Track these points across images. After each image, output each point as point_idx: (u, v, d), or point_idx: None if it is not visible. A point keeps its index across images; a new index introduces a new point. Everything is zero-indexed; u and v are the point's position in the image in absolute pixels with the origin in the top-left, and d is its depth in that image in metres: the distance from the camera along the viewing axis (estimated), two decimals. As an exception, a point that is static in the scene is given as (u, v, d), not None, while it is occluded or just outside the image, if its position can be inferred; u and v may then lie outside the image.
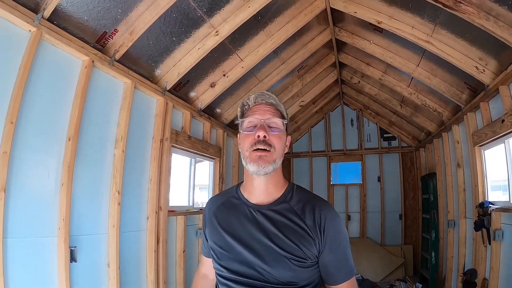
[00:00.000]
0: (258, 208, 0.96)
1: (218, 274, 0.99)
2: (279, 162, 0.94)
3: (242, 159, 0.95)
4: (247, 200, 0.98)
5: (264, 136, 0.90)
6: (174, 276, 3.10)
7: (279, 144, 0.93)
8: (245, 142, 0.93)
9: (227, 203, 1.03)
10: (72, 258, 2.06)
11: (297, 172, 6.50)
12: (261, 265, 0.90)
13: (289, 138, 1.00)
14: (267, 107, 0.96)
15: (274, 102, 0.97)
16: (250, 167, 0.92)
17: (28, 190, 1.91)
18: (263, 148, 0.90)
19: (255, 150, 0.91)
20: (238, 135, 1.01)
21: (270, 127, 0.93)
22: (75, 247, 2.09)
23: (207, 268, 1.14)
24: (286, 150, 0.98)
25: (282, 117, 0.96)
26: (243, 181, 1.03)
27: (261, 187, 0.96)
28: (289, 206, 0.94)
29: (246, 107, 1.00)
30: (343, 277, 0.92)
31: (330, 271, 0.92)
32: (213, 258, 1.00)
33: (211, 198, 1.13)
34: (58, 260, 1.99)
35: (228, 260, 0.95)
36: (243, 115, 0.99)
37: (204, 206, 1.16)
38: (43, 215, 1.98)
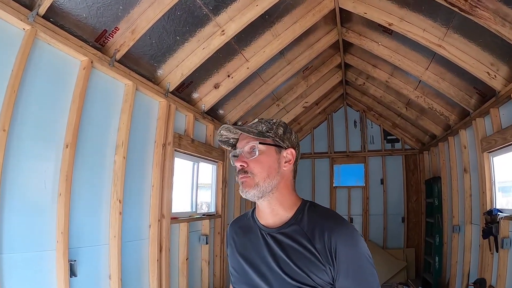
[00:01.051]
0: (269, 231, 0.92)
1: None
2: (265, 185, 0.89)
3: None
4: (260, 223, 0.95)
5: (242, 166, 0.90)
6: (177, 284, 3.01)
7: (258, 167, 0.89)
8: None
9: (244, 226, 1.01)
10: (72, 273, 1.96)
11: (299, 174, 6.02)
12: None
13: (289, 151, 0.94)
14: (244, 135, 0.94)
15: (244, 130, 0.92)
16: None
17: (23, 202, 1.80)
18: (242, 175, 0.90)
19: (238, 177, 0.92)
20: None
21: (249, 153, 0.91)
22: (75, 260, 1.98)
23: None
24: (288, 166, 0.93)
25: (262, 136, 0.91)
26: None
27: (265, 209, 0.93)
28: (299, 228, 0.88)
29: (230, 141, 0.99)
30: None
31: None
32: (231, 282, 1.00)
33: (232, 221, 1.09)
34: (57, 275, 1.89)
35: (241, 284, 0.93)
36: (230, 145, 1.00)
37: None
38: (40, 228, 1.87)
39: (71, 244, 1.98)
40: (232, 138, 0.98)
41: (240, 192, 0.91)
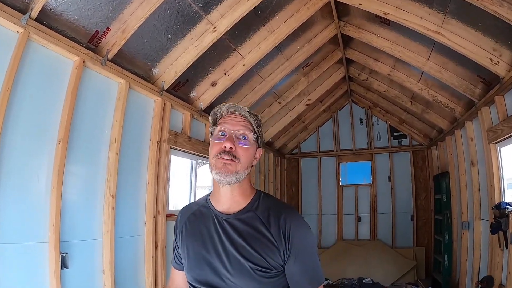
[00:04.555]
0: (225, 217, 0.96)
1: (189, 284, 1.00)
2: (242, 174, 0.94)
3: (209, 167, 0.96)
4: (215, 209, 0.99)
5: (231, 148, 0.92)
6: (174, 281, 3.02)
7: (245, 156, 0.94)
8: (212, 150, 0.94)
9: (197, 212, 1.03)
10: (64, 265, 2.00)
11: (305, 173, 6.38)
12: (226, 275, 0.91)
13: (260, 150, 1.01)
14: (239, 118, 0.97)
15: (245, 115, 0.97)
16: (214, 174, 0.93)
17: (17, 195, 1.86)
18: (227, 158, 0.91)
19: (219, 158, 0.92)
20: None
21: (238, 138, 0.94)
22: (66, 253, 2.02)
23: (176, 282, 1.12)
24: (255, 163, 1.01)
25: (254, 131, 0.97)
26: (212, 190, 1.06)
27: (226, 195, 0.97)
28: (255, 215, 0.95)
29: (218, 115, 1.00)
30: (310, 286, 0.92)
31: (296, 280, 0.91)
32: (184, 268, 1.02)
33: (183, 208, 1.11)
34: (49, 267, 1.93)
35: (196, 269, 0.96)
36: (215, 123, 1.00)
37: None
38: (34, 220, 1.92)
39: (64, 237, 2.03)
40: (221, 114, 1.00)
41: (216, 173, 0.91)
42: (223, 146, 0.92)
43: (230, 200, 0.97)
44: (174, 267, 1.12)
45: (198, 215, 1.03)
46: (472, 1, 2.33)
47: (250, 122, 0.97)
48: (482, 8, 2.32)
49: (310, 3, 3.17)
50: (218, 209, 0.98)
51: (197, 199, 1.14)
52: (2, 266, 1.73)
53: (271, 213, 0.94)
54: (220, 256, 0.92)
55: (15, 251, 1.81)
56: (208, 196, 1.05)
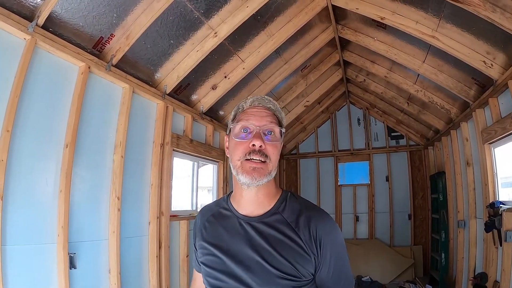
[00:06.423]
0: (248, 220, 0.88)
1: None
2: (273, 173, 0.85)
3: (232, 168, 0.87)
4: (237, 211, 0.90)
5: (261, 146, 0.82)
6: (177, 280, 3.08)
7: (275, 154, 0.85)
8: (237, 150, 0.84)
9: (217, 214, 0.95)
10: (72, 265, 2.06)
11: (304, 173, 6.44)
12: (250, 283, 0.82)
13: (282, 144, 0.93)
14: (265, 112, 0.87)
15: (273, 107, 0.88)
16: (242, 178, 0.83)
17: (26, 197, 1.91)
18: (258, 159, 0.82)
19: (247, 160, 0.83)
20: (225, 138, 0.94)
21: (264, 134, 0.84)
22: (74, 253, 2.08)
23: (198, 283, 1.05)
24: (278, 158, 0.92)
25: (280, 124, 0.88)
26: (232, 191, 0.96)
27: (251, 197, 0.88)
28: (282, 218, 0.86)
29: (240, 110, 0.90)
30: None
31: (328, 287, 0.85)
32: (202, 272, 0.94)
33: (202, 208, 1.03)
34: (57, 267, 1.99)
35: (216, 274, 0.87)
36: (235, 119, 0.90)
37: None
38: (42, 222, 1.98)
39: (72, 238, 2.09)
40: (243, 108, 0.90)
41: (244, 177, 0.82)
42: (250, 145, 0.82)
43: (254, 202, 0.88)
44: (196, 269, 1.05)
45: (219, 217, 0.94)
46: (465, 7, 2.40)
47: (275, 115, 0.88)
48: (475, 14, 2.38)
49: (308, 8, 3.22)
50: (241, 212, 0.90)
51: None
52: (13, 267, 1.78)
53: (299, 216, 0.85)
54: (244, 263, 0.84)
55: (25, 252, 1.86)
56: (228, 196, 0.96)
